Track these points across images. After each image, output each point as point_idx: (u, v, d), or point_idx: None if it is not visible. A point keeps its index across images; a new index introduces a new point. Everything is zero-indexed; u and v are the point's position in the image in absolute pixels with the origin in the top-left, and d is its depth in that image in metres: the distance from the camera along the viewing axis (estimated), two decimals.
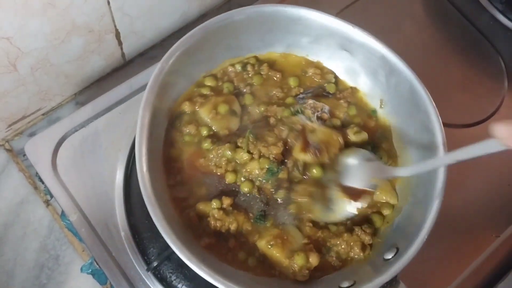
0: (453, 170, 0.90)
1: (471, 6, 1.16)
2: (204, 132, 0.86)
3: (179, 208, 0.80)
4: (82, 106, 0.94)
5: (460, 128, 1.01)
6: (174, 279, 0.84)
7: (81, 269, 0.89)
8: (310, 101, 0.90)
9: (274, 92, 0.92)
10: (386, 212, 0.84)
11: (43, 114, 1.04)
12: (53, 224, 0.95)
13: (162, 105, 0.82)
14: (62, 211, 0.87)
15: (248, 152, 0.83)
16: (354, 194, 0.82)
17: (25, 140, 0.98)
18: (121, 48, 1.05)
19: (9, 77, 0.88)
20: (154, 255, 0.84)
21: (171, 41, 1.10)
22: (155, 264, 0.81)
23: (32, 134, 1.02)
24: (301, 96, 0.92)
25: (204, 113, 0.86)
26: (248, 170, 0.83)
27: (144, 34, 1.07)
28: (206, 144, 0.84)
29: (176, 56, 0.82)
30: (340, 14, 1.09)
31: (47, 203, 0.97)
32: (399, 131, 0.89)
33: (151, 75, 0.79)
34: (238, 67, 0.92)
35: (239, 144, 0.84)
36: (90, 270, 0.88)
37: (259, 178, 0.83)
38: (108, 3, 0.90)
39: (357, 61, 0.91)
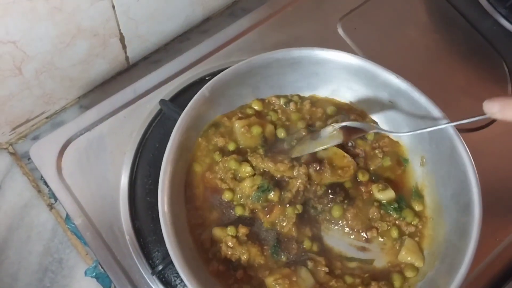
0: None
1: (474, 11, 1.16)
2: (231, 147, 0.86)
3: (193, 230, 0.79)
4: (87, 110, 0.93)
5: (464, 133, 0.99)
6: (179, 283, 0.84)
7: (85, 273, 0.88)
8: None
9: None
10: (409, 274, 0.80)
11: (46, 118, 1.04)
12: (57, 228, 0.95)
13: (195, 128, 0.84)
14: (67, 215, 0.87)
15: (252, 166, 0.83)
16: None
17: (29, 143, 0.99)
18: (125, 52, 1.05)
19: (15, 81, 0.88)
20: (159, 258, 0.85)
21: (175, 45, 1.13)
22: (160, 268, 0.81)
23: (35, 138, 1.02)
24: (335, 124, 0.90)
25: (238, 125, 0.86)
26: (241, 188, 0.82)
27: (148, 38, 1.07)
28: (216, 156, 0.84)
29: (218, 86, 0.83)
30: (344, 19, 1.09)
31: (51, 206, 0.97)
32: (436, 192, 0.85)
33: (190, 100, 0.80)
34: (282, 102, 0.92)
35: (248, 158, 0.84)
36: (94, 273, 0.88)
37: (249, 197, 0.82)
38: (113, 7, 0.90)
39: (401, 114, 0.88)
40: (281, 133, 0.89)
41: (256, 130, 0.86)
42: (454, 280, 0.72)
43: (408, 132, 0.83)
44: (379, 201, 0.85)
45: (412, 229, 0.84)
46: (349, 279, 0.79)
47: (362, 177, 0.86)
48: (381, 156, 0.89)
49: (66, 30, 0.87)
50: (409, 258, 0.81)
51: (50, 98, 1.00)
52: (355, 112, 0.92)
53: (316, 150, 0.83)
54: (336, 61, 0.86)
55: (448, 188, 0.83)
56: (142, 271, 0.83)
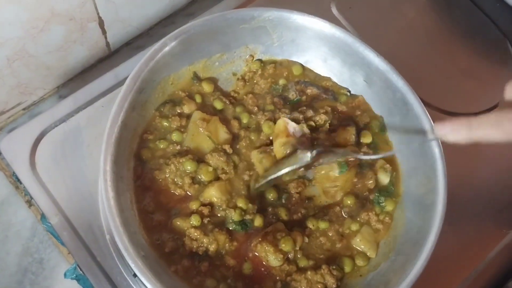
0: (462, 163, 0.87)
1: None
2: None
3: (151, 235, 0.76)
4: (63, 100, 0.90)
5: (466, 117, 0.96)
6: None
7: (65, 275, 0.85)
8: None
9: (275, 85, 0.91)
10: (360, 262, 0.79)
11: (23, 109, 1.00)
12: (37, 226, 0.91)
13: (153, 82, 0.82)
14: (42, 213, 0.83)
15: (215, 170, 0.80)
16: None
17: (5, 136, 0.94)
18: (106, 38, 1.01)
19: None
20: None
21: (159, 30, 1.09)
22: None
23: (12, 130, 0.97)
24: (301, 83, 0.89)
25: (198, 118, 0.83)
26: (206, 197, 0.79)
27: (130, 23, 1.03)
28: (175, 135, 0.82)
29: (184, 37, 0.81)
30: None
31: (29, 203, 0.93)
32: (400, 182, 0.84)
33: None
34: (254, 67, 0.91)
35: (206, 160, 0.81)
36: (75, 275, 0.84)
37: (230, 220, 0.79)
38: None
39: (374, 96, 0.87)
40: (244, 119, 0.86)
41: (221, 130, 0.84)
42: (407, 276, 0.71)
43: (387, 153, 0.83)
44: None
45: (381, 226, 0.82)
46: (303, 262, 0.78)
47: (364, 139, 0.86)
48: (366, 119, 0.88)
49: (38, 14, 0.82)
50: (362, 246, 0.80)
51: (26, 88, 0.95)
52: (326, 80, 0.91)
53: (282, 173, 0.78)
54: (315, 29, 0.85)
55: (413, 179, 0.82)
56: (124, 272, 0.80)
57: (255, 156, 0.82)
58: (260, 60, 0.91)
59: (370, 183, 0.83)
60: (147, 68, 0.78)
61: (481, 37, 1.08)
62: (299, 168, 0.78)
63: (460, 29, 1.08)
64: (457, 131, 0.61)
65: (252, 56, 0.90)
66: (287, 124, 0.82)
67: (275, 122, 0.84)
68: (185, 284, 0.73)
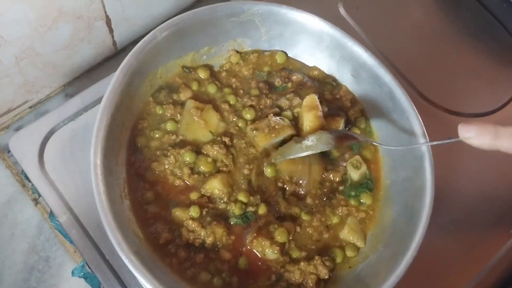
0: (468, 164, 0.87)
1: None
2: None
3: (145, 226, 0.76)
4: (71, 98, 0.90)
5: (473, 118, 0.97)
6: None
7: (72, 273, 0.85)
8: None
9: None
10: (350, 253, 0.80)
11: (30, 107, 1.00)
12: (43, 224, 0.91)
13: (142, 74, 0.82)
14: (51, 211, 0.83)
15: (214, 161, 0.80)
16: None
17: (12, 135, 0.95)
18: (112, 36, 1.00)
19: None
20: None
21: None
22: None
23: (19, 129, 0.97)
24: (286, 70, 0.90)
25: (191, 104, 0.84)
26: (208, 189, 0.79)
27: (137, 21, 1.03)
28: (170, 125, 0.82)
29: (173, 29, 0.82)
30: None
31: (36, 201, 0.93)
32: (387, 175, 0.85)
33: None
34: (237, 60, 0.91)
35: (204, 151, 0.81)
36: (82, 273, 0.84)
37: (231, 214, 0.79)
38: None
39: (362, 89, 0.88)
40: (231, 101, 0.87)
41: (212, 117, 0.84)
42: (397, 268, 0.71)
43: (400, 146, 0.81)
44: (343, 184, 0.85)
45: (363, 215, 0.83)
46: (295, 253, 0.78)
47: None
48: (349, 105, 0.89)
49: (46, 12, 0.82)
50: (351, 238, 0.81)
51: (33, 86, 0.95)
52: (310, 71, 0.91)
53: (304, 155, 0.78)
54: (304, 24, 0.86)
55: (401, 171, 0.82)
56: None
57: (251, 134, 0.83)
58: (239, 53, 0.91)
59: (337, 179, 0.84)
60: (136, 60, 0.79)
61: (487, 37, 1.08)
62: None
63: (467, 29, 1.08)
64: (482, 137, 0.60)
65: (235, 50, 0.91)
66: (317, 100, 0.83)
67: (256, 110, 0.85)
68: (179, 277, 0.73)
